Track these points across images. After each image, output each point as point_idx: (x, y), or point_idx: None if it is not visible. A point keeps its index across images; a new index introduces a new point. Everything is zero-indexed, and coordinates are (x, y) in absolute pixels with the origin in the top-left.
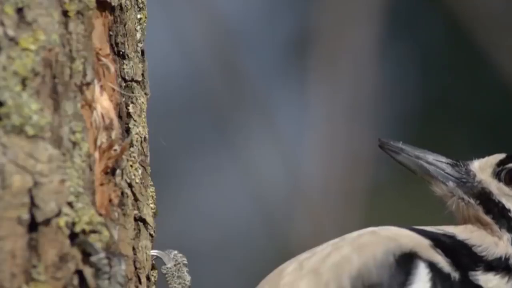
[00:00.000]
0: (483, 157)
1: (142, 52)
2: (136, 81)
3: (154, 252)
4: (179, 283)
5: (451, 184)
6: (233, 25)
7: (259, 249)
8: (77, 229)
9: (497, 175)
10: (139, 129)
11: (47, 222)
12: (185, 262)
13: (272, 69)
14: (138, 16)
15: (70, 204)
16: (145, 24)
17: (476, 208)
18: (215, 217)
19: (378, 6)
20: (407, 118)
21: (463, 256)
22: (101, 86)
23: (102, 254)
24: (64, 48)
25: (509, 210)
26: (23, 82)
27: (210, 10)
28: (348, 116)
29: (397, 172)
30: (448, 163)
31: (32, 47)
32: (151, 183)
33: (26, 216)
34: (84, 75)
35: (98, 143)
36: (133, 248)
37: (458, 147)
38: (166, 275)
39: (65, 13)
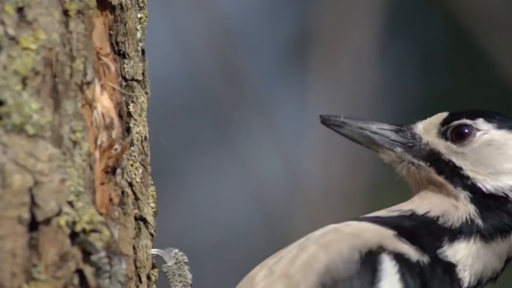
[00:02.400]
0: None
1: (143, 51)
2: (137, 80)
3: (154, 251)
4: (180, 281)
5: (398, 149)
6: (233, 25)
7: (259, 249)
8: (78, 228)
9: (443, 134)
10: (140, 128)
11: (47, 221)
12: (186, 260)
13: (272, 69)
14: (139, 15)
15: (70, 203)
16: (145, 23)
17: (427, 170)
18: (215, 216)
19: (378, 6)
20: (407, 118)
21: (424, 237)
22: (102, 85)
23: (103, 253)
24: (64, 48)
25: (460, 168)
26: (24, 81)
27: (210, 9)
28: None
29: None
30: (392, 130)
31: (33, 46)
32: (152, 182)
33: (26, 215)
34: (85, 74)
35: (99, 142)
36: (134, 247)
37: None
38: (167, 274)
39: (65, 12)
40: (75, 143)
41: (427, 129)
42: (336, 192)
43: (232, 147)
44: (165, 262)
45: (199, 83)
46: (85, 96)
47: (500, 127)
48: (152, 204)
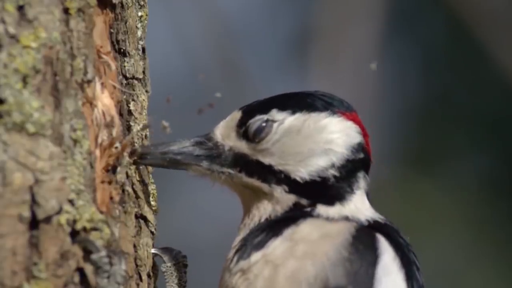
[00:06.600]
0: (483, 155)
1: (143, 50)
2: (137, 79)
3: (154, 250)
4: (177, 283)
5: (204, 163)
6: (234, 23)
7: None
8: (78, 226)
9: (243, 135)
10: (140, 127)
11: (48, 219)
12: (186, 262)
13: (273, 67)
14: (139, 14)
15: (71, 202)
16: (146, 21)
17: (238, 176)
18: (216, 215)
19: (379, 5)
20: (407, 117)
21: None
22: (102, 84)
23: (103, 252)
24: (65, 46)
25: (270, 165)
26: (24, 80)
27: (211, 7)
28: None
29: (397, 171)
30: (193, 145)
31: (33, 44)
32: (152, 180)
33: (27, 213)
34: (85, 72)
35: (99, 140)
36: (134, 246)
37: (458, 146)
38: (165, 273)
39: (66, 11)
40: (75, 141)
41: (225, 134)
42: None
43: None
44: (165, 262)
45: (200, 81)
46: (85, 94)
47: (294, 111)
48: (152, 203)
